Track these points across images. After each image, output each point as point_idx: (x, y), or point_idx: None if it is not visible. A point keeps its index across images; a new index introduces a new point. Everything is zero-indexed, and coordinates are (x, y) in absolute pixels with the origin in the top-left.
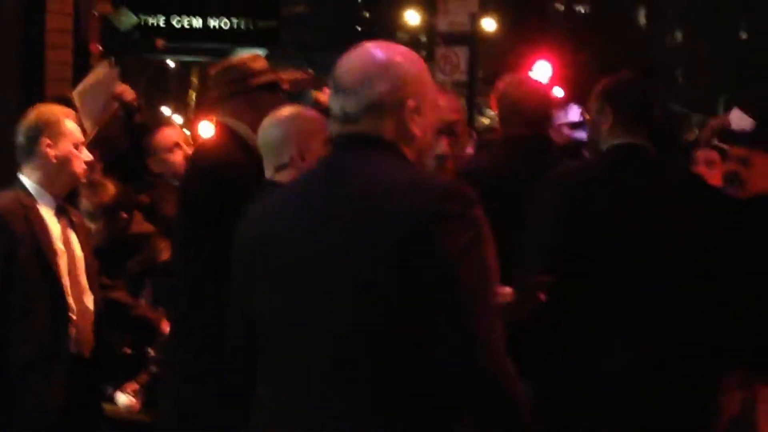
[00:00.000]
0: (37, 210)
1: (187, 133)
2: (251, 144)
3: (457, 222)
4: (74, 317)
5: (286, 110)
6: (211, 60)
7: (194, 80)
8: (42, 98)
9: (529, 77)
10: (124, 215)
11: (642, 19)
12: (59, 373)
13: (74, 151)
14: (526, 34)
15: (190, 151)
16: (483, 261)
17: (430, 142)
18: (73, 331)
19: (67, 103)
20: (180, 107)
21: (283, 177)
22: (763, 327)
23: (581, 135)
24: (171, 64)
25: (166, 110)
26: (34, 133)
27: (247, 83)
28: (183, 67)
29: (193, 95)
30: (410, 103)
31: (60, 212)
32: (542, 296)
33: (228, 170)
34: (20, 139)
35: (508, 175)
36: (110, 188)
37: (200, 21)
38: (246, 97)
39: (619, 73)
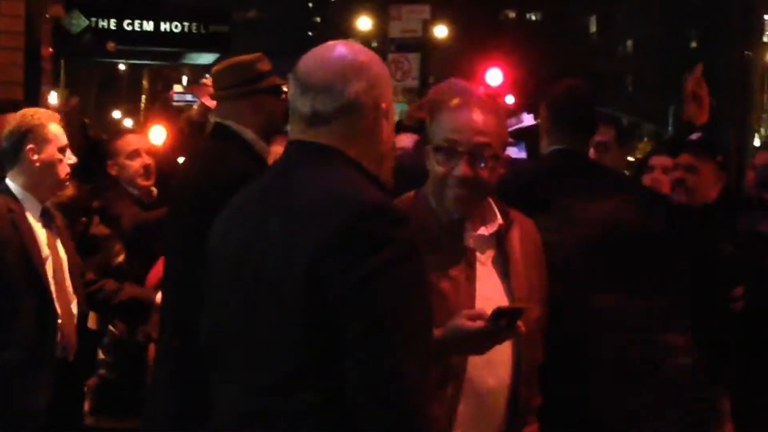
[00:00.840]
0: (24, 214)
1: None
2: (257, 149)
3: (371, 241)
4: (60, 321)
5: None
6: (162, 64)
7: (145, 84)
8: None
9: (460, 82)
10: (84, 218)
11: (593, 27)
12: (45, 378)
13: (58, 155)
14: (478, 40)
15: (150, 160)
16: (402, 284)
17: (393, 149)
18: (59, 335)
19: (16, 106)
20: (131, 111)
21: None
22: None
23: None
24: (122, 67)
25: (116, 114)
26: (19, 138)
27: (254, 86)
28: (134, 71)
29: (144, 99)
30: (383, 105)
31: (45, 216)
32: (521, 325)
33: (236, 178)
34: (4, 144)
35: None
36: (69, 188)
37: (152, 25)
38: (252, 99)
39: (560, 79)
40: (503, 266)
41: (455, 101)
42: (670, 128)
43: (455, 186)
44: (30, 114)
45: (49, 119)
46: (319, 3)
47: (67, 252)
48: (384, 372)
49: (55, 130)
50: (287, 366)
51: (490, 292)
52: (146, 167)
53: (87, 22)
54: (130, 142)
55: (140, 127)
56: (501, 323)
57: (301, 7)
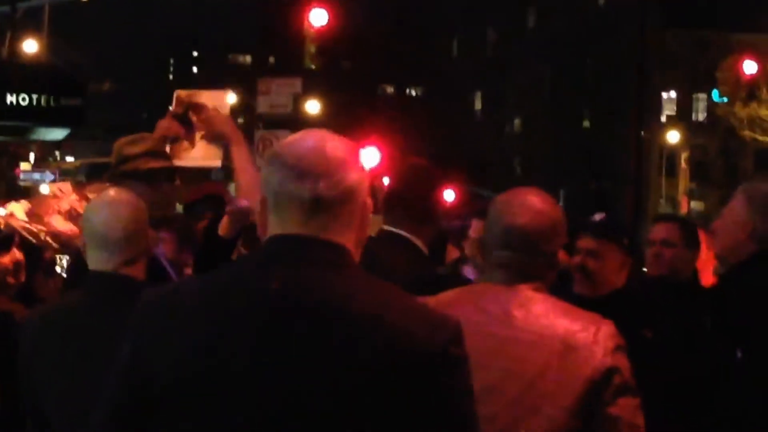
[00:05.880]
0: None
1: None
2: None
3: (463, 365)
4: None
5: None
6: (7, 140)
7: None
8: None
9: None
10: None
11: (478, 104)
12: None
13: None
14: (354, 117)
15: (20, 255)
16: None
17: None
18: None
19: None
20: None
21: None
22: None
23: None
24: None
25: None
26: None
27: (116, 170)
28: None
29: None
30: (369, 200)
31: None
32: None
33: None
34: None
35: None
36: None
37: None
38: (115, 184)
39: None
40: None
41: None
42: None
43: None
44: None
45: None
46: (181, 75)
47: None
48: None
49: None
50: None
51: None
52: (17, 263)
53: None
54: None
55: None
56: None
57: (161, 79)
